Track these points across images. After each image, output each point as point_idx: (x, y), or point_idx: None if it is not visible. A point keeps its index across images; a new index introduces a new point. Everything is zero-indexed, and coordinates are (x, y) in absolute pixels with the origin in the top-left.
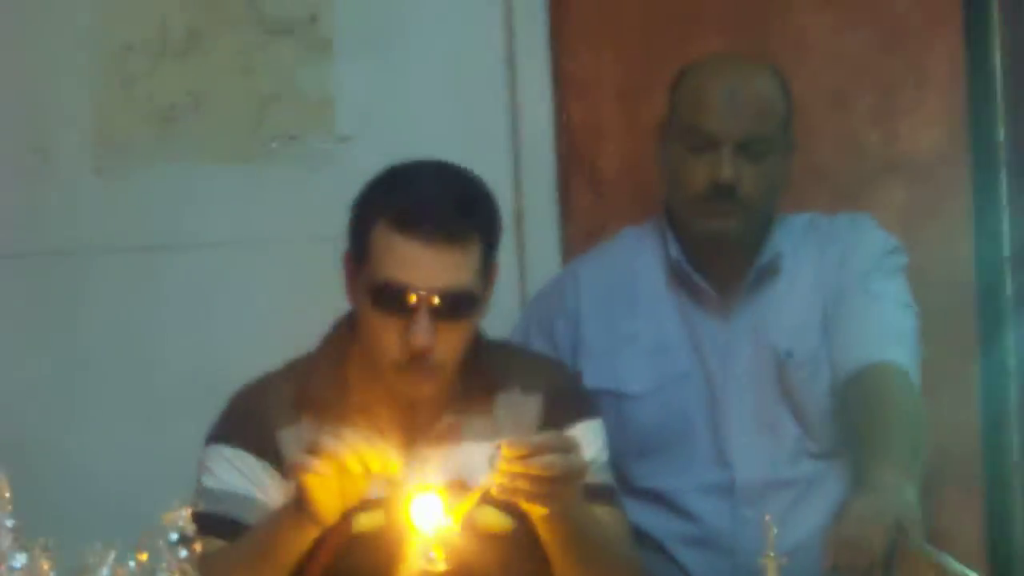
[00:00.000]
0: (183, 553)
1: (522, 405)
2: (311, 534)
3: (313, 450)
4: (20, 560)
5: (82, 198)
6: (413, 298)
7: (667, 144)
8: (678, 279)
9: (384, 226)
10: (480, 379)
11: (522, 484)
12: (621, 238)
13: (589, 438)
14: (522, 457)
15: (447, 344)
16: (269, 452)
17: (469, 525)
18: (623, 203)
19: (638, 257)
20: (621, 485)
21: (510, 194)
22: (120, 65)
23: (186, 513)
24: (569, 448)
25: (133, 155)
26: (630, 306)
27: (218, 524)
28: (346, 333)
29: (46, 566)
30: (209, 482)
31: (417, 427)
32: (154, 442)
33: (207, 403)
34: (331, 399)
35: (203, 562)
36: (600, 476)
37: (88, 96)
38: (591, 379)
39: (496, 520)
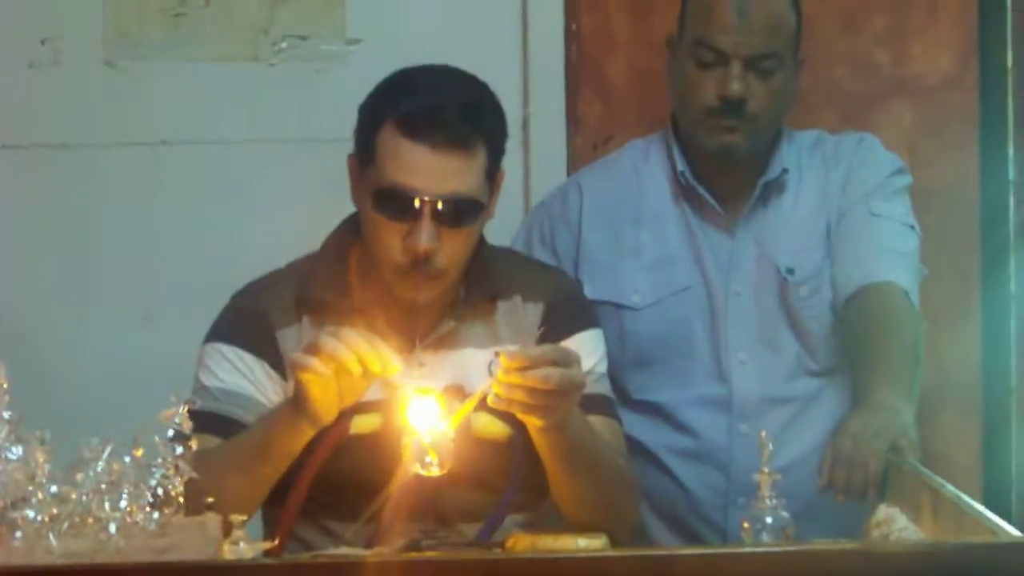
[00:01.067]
0: (178, 450)
1: (523, 313)
2: (307, 434)
3: (312, 349)
4: (16, 452)
5: (91, 92)
6: (417, 203)
7: (676, 58)
8: (683, 193)
9: (391, 130)
10: (482, 286)
11: (519, 395)
12: (627, 150)
13: (589, 348)
14: (520, 368)
15: (450, 250)
16: (268, 351)
17: (466, 431)
18: (631, 114)
19: (643, 169)
20: (619, 396)
21: (518, 102)
22: None
23: (182, 410)
24: (568, 362)
25: (144, 50)
26: (633, 218)
27: (214, 422)
28: (349, 235)
29: (42, 458)
30: (207, 380)
31: (416, 331)
32: (153, 339)
33: (208, 301)
34: (331, 300)
35: (198, 459)
36: (598, 386)
37: None
38: (592, 290)
39: (493, 427)
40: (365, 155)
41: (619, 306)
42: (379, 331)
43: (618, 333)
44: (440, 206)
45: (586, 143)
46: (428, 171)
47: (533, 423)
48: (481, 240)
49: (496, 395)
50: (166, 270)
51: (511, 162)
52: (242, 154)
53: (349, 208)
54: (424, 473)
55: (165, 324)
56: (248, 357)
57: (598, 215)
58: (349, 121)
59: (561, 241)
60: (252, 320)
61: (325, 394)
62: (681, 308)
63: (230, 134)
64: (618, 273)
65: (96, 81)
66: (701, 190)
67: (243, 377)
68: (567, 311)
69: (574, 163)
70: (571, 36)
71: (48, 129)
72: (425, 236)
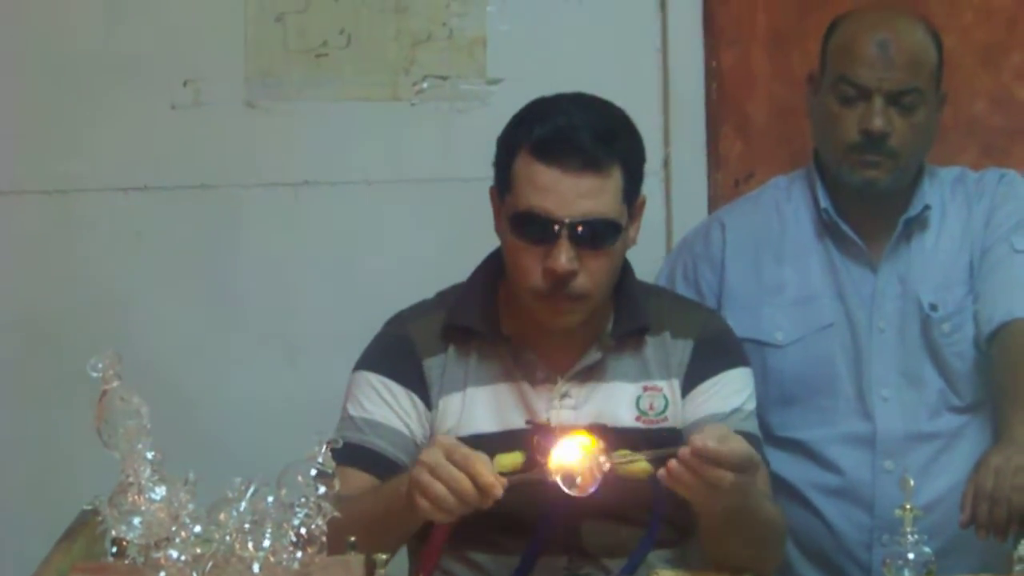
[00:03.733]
0: (321, 489)
1: (672, 349)
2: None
3: (428, 467)
4: (159, 492)
5: (233, 132)
6: (555, 227)
7: (818, 94)
8: (826, 229)
9: (525, 156)
10: (630, 318)
11: (689, 480)
12: (769, 187)
13: (737, 385)
14: (703, 456)
15: (589, 273)
16: (415, 381)
17: (613, 469)
18: (772, 151)
19: (786, 206)
20: (763, 434)
21: (659, 140)
22: (273, 0)
23: (325, 450)
24: (751, 469)
25: (284, 90)
26: (776, 255)
27: (359, 454)
28: (495, 267)
29: (185, 498)
30: (353, 409)
31: (563, 362)
32: (296, 379)
33: (351, 341)
34: (477, 330)
35: (338, 502)
36: (746, 424)
37: (241, 30)
38: (735, 328)
39: (634, 465)
40: (503, 184)
41: (762, 344)
42: (525, 361)
43: (761, 371)
44: (578, 229)
45: (727, 180)
46: (563, 194)
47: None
48: (629, 273)
49: (668, 472)
50: (308, 310)
51: (653, 201)
52: (383, 193)
53: (489, 245)
54: (567, 490)
55: (308, 364)
56: (395, 387)
57: (741, 252)
58: (489, 159)
59: (704, 279)
60: (400, 349)
61: (438, 509)
62: (824, 345)
63: (371, 174)
64: (761, 311)
65: (237, 122)
66: (844, 227)
67: (388, 407)
68: (716, 348)
69: (715, 201)
70: (711, 73)
71: (190, 170)
72: (564, 257)
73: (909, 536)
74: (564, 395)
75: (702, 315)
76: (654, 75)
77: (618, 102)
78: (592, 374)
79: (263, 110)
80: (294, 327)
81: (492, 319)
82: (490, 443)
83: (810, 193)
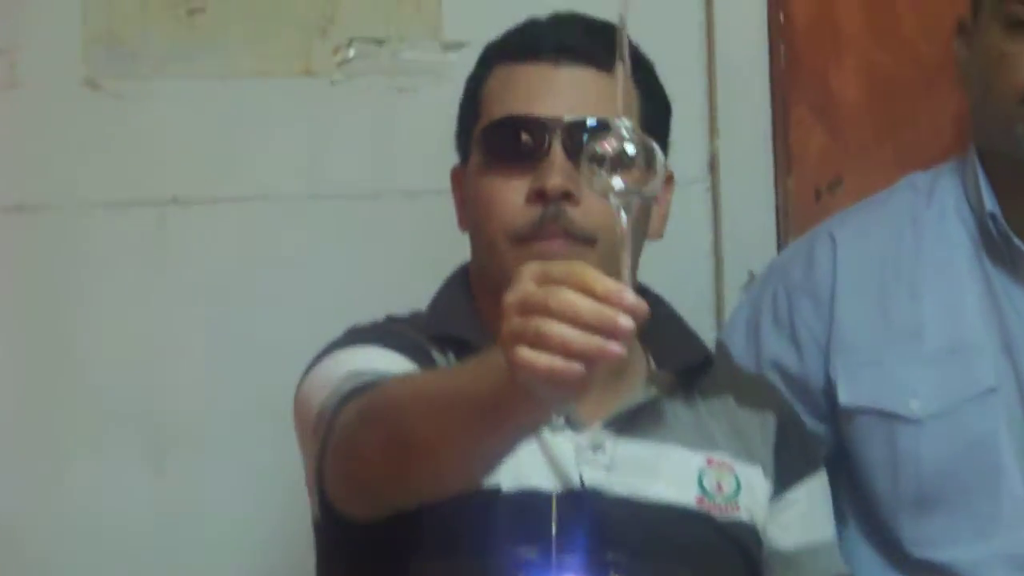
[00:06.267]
0: None
1: (744, 421)
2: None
3: (517, 306)
4: None
5: (66, 126)
6: (543, 131)
7: (973, 43)
8: (989, 246)
9: (500, 69)
10: (684, 347)
11: None
12: (902, 188)
13: (818, 500)
14: None
15: (595, 204)
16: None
17: None
18: (870, 146)
19: (925, 215)
20: (887, 553)
21: (701, 131)
22: None
23: None
24: None
25: (141, 64)
26: (912, 287)
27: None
28: (464, 278)
29: None
30: (356, 363)
31: (592, 398)
32: (164, 486)
33: (241, 426)
34: (473, 340)
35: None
36: (838, 564)
37: None
38: (850, 392)
39: None
40: (470, 147)
41: (890, 416)
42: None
43: (888, 457)
44: (576, 135)
45: (804, 189)
46: (555, 89)
47: None
48: (662, 301)
49: None
50: (180, 385)
51: (695, 218)
52: (290, 215)
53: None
54: None
55: (180, 466)
56: (411, 365)
57: (860, 283)
58: (446, 161)
59: (804, 320)
60: (409, 338)
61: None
62: (982, 420)
63: (272, 186)
64: (888, 367)
65: (73, 110)
66: (1018, 241)
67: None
68: (802, 437)
69: (787, 219)
70: (778, 31)
71: (2, 183)
72: (555, 170)
73: None
74: (598, 447)
75: (768, 386)
76: (694, 34)
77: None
78: (637, 424)
79: (110, 93)
80: (160, 409)
81: (483, 332)
82: (505, 506)
83: (966, 194)
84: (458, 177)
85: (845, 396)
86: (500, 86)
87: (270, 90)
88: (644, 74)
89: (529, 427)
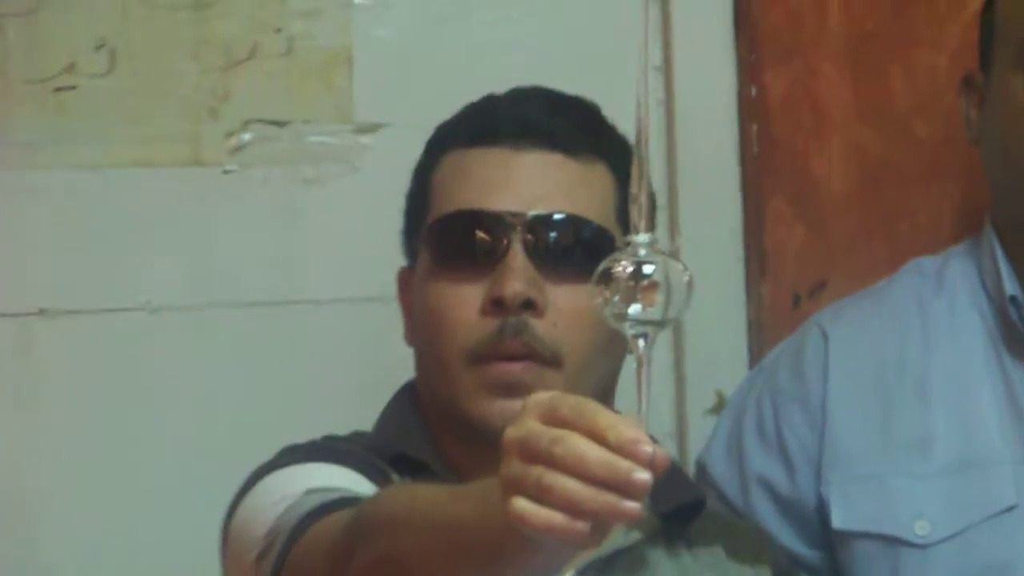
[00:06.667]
0: None
1: (738, 574)
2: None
3: (518, 445)
4: None
5: None
6: (501, 228)
7: (987, 101)
8: (1009, 339)
9: (453, 154)
10: (673, 485)
11: None
12: (906, 273)
13: None
14: None
15: (560, 316)
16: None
17: None
18: (860, 243)
19: (934, 304)
20: None
21: (660, 226)
22: None
23: None
24: None
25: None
26: (918, 390)
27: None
28: (412, 397)
29: None
30: (312, 480)
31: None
32: None
33: None
34: (432, 464)
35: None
36: None
37: None
38: (845, 514)
39: None
40: (417, 245)
41: (893, 541)
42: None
43: None
44: (541, 232)
45: (781, 295)
46: (516, 181)
47: None
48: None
49: None
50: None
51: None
52: (176, 328)
53: (372, 412)
54: None
55: None
56: (367, 483)
57: (857, 387)
58: (360, 261)
59: (795, 431)
60: (362, 457)
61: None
62: (1000, 544)
63: (156, 295)
64: (891, 484)
65: None
66: None
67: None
68: None
69: (761, 331)
70: (750, 110)
71: None
72: (515, 274)
73: None
74: None
75: (758, 534)
76: (652, 112)
77: None
78: (613, 573)
79: None
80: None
81: (440, 455)
82: None
83: (981, 279)
84: (406, 280)
85: (840, 518)
86: (451, 175)
87: (152, 182)
88: (626, 161)
89: (539, 571)
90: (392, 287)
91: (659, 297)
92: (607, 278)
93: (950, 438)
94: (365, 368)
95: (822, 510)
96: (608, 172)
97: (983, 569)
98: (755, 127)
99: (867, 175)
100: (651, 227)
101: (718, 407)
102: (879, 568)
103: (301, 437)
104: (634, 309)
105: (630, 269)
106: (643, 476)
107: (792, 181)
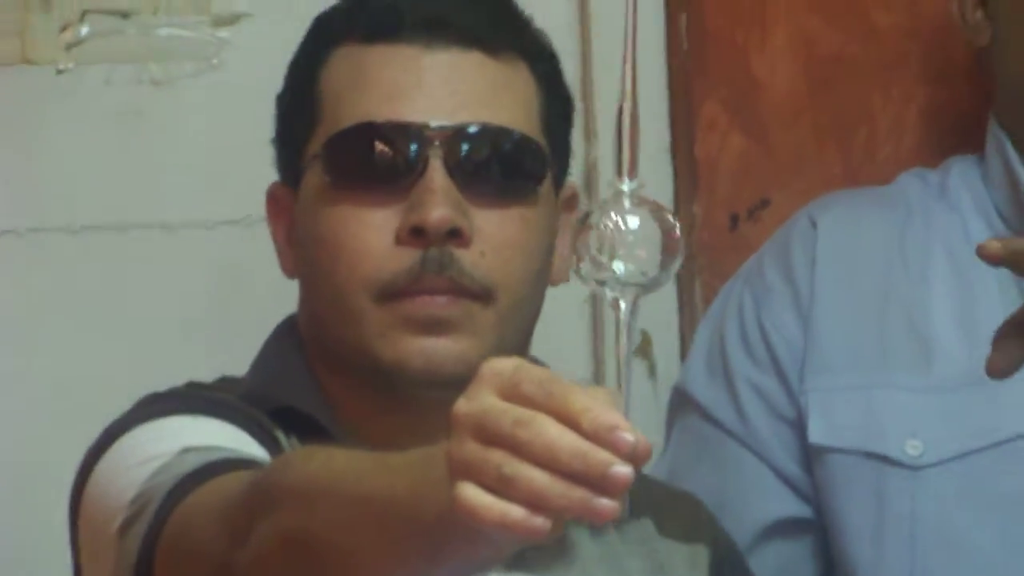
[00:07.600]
0: None
1: (666, 553)
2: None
3: (473, 423)
4: None
5: None
6: (415, 142)
7: None
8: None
9: (345, 52)
10: None
11: None
12: (907, 178)
13: None
14: None
15: (488, 244)
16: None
17: None
18: (810, 154)
19: (935, 205)
20: None
21: (575, 132)
22: None
23: None
24: None
25: None
26: (918, 291)
27: (231, 464)
28: (294, 338)
29: None
30: (186, 438)
31: None
32: None
33: None
34: (322, 419)
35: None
36: None
37: None
38: (824, 428)
39: None
40: (299, 161)
41: (877, 459)
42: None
43: (874, 516)
44: (463, 146)
45: (715, 215)
46: (430, 86)
47: None
48: None
49: None
50: None
51: (566, 253)
52: (4, 252)
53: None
54: None
55: None
56: (245, 436)
57: (847, 282)
58: (217, 185)
59: (780, 331)
60: (241, 410)
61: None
62: (1006, 475)
63: None
64: (880, 396)
65: None
66: None
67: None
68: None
69: (691, 257)
70: None
71: None
72: (437, 197)
73: None
74: None
75: (697, 506)
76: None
77: None
78: (529, 556)
79: None
80: None
81: (327, 403)
82: None
83: (990, 194)
84: (280, 201)
85: (818, 431)
86: (347, 78)
87: None
88: (545, 65)
89: (479, 563)
90: (257, 207)
91: (645, 253)
92: (584, 231)
93: (954, 348)
94: (224, 304)
95: (800, 421)
96: (529, 73)
97: (982, 502)
98: (684, 17)
99: (817, 74)
100: (634, 173)
101: (643, 348)
102: (860, 490)
103: (150, 386)
104: (618, 268)
105: (610, 223)
106: (624, 471)
107: (728, 81)
